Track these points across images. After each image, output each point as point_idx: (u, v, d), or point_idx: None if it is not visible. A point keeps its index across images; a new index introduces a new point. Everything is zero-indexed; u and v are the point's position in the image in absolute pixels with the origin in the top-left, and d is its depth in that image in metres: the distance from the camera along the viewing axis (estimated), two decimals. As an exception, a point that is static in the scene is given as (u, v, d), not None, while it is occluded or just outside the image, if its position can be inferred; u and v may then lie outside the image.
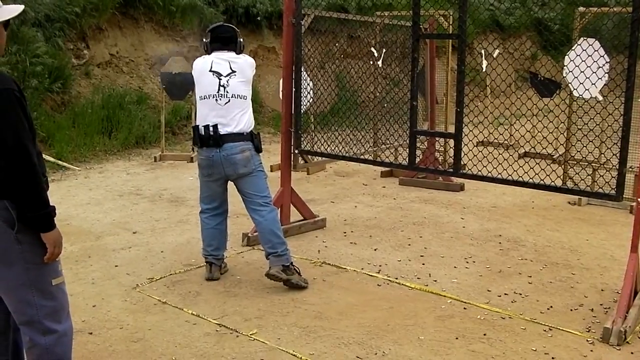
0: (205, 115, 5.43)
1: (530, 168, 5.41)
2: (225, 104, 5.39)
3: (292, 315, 4.93)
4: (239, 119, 5.39)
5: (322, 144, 7.01)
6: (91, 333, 4.58)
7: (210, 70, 5.48)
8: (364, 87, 7.74)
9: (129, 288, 5.44)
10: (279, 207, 6.79)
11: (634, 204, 5.46)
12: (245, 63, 5.56)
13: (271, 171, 9.65)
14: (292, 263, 5.48)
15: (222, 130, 5.34)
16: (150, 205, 8.15)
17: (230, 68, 5.47)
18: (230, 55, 5.54)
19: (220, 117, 5.36)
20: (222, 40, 5.57)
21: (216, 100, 5.41)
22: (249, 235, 6.53)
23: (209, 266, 5.65)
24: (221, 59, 5.51)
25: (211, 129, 5.35)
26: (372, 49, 9.08)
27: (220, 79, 5.43)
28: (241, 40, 5.65)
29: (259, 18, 14.93)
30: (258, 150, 5.50)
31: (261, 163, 5.58)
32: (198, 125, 5.45)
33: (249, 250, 6.43)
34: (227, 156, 5.35)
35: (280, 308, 5.05)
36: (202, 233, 5.75)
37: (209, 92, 5.45)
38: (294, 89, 6.74)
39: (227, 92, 5.41)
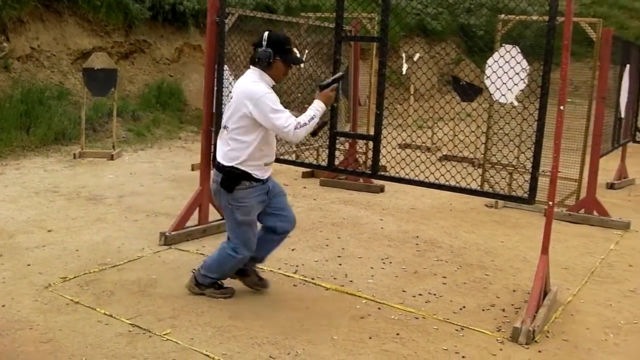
0: None
1: (447, 171, 5.50)
2: (221, 131, 5.14)
3: (207, 315, 4.89)
4: (221, 149, 5.03)
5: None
6: (-2, 333, 4.47)
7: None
8: (287, 87, 7.74)
9: (40, 287, 5.30)
10: (198, 206, 6.74)
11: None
12: (241, 93, 4.89)
13: (192, 170, 9.59)
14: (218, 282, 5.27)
15: (217, 156, 5.08)
16: (67, 203, 7.97)
17: (230, 97, 5.08)
18: (241, 78, 5.05)
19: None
20: (251, 59, 5.07)
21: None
22: (167, 234, 6.46)
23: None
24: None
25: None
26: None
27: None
28: (267, 50, 4.87)
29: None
30: (226, 188, 4.94)
31: (231, 204, 4.98)
32: None
33: (166, 250, 6.35)
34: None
35: (195, 308, 5.00)
36: None
37: None
38: (215, 88, 6.70)
39: (222, 119, 5.12)
